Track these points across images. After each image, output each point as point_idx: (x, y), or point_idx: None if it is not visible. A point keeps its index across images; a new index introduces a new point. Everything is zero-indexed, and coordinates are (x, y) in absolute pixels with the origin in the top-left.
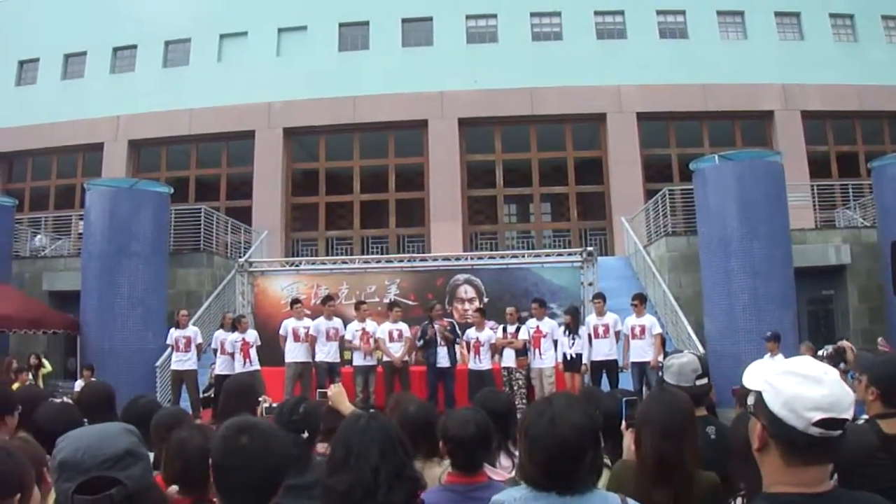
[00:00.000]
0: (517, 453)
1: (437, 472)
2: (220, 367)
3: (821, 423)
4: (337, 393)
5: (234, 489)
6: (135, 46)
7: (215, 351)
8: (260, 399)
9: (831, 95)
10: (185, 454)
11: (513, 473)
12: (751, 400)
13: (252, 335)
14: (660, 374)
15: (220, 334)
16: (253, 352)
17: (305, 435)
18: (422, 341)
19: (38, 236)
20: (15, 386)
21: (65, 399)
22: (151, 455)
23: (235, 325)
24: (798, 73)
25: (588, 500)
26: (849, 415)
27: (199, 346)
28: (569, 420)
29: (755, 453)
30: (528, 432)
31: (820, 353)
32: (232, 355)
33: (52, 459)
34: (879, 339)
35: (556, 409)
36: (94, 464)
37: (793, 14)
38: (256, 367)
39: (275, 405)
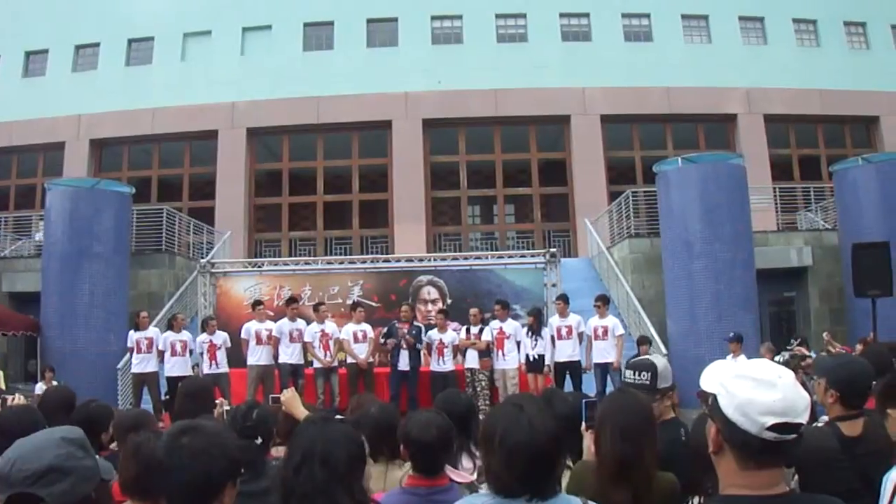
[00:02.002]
0: (481, 458)
1: (398, 475)
2: (171, 368)
3: (774, 428)
4: (290, 398)
5: (174, 490)
6: (98, 44)
7: (162, 353)
8: (217, 402)
9: (794, 99)
10: (139, 458)
11: (475, 476)
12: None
13: (220, 337)
14: (623, 376)
15: (168, 335)
16: (221, 354)
17: (259, 441)
18: (385, 341)
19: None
20: None
21: (18, 399)
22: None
23: (204, 327)
24: (761, 77)
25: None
26: (803, 419)
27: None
28: (544, 425)
29: (711, 456)
30: (504, 440)
31: (777, 358)
32: (195, 355)
33: None
34: (825, 334)
35: (530, 415)
36: (19, 479)
37: (756, 19)
38: (224, 369)
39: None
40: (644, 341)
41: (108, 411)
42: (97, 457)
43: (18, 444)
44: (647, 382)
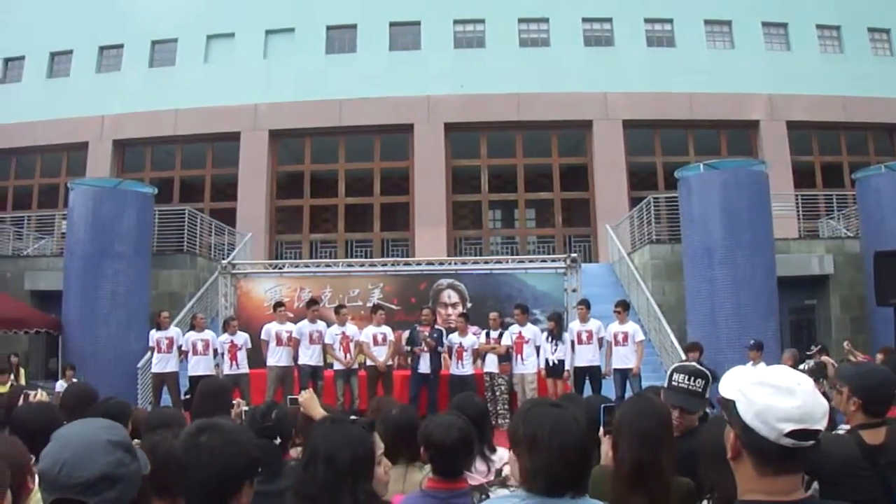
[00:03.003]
0: (520, 460)
1: (418, 478)
2: (193, 367)
3: (792, 435)
4: (308, 398)
5: (192, 488)
6: (121, 46)
7: (185, 353)
8: (234, 402)
9: (817, 106)
10: (156, 456)
11: (490, 478)
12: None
13: (241, 338)
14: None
15: (191, 334)
16: (241, 354)
17: (278, 441)
18: (411, 348)
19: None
20: None
21: (40, 394)
22: None
23: (225, 327)
24: (784, 83)
25: None
26: (822, 426)
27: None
28: (580, 424)
29: (730, 462)
30: (555, 438)
31: (801, 366)
32: (218, 355)
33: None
34: (846, 343)
35: (573, 413)
36: (68, 485)
37: (780, 25)
38: (244, 370)
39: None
40: (693, 348)
41: (126, 409)
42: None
43: (64, 443)
44: (700, 390)
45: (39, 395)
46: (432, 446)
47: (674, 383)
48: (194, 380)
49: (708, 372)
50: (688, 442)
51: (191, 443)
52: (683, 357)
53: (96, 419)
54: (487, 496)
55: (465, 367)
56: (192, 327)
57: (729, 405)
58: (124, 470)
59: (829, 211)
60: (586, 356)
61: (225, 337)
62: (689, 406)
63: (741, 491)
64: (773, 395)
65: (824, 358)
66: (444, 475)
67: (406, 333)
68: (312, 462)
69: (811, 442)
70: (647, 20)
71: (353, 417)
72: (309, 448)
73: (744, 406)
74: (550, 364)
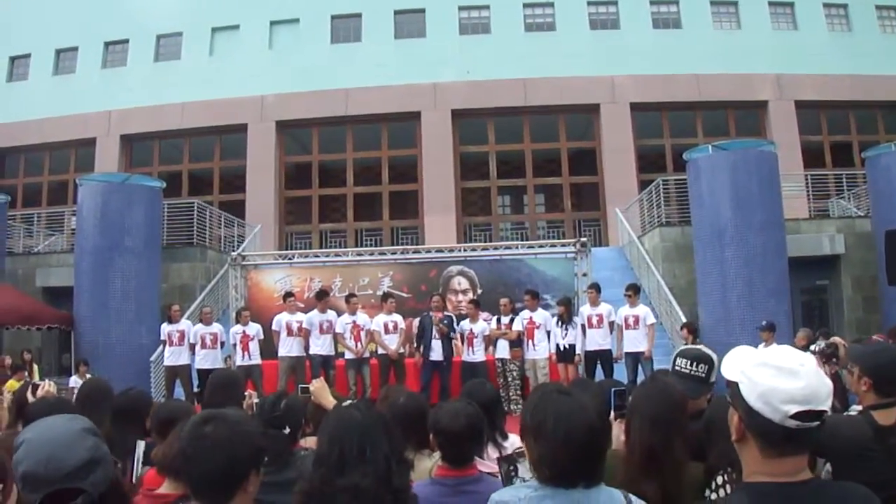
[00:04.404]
0: (528, 449)
1: (427, 465)
2: (200, 361)
3: (797, 416)
4: (319, 387)
5: (198, 478)
6: (126, 41)
7: (193, 346)
8: (247, 394)
9: (825, 85)
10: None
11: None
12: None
13: (254, 328)
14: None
15: (199, 328)
16: (253, 345)
17: (287, 431)
18: (417, 342)
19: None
20: (11, 384)
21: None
22: (142, 445)
23: (238, 318)
24: (792, 62)
25: (596, 494)
26: (826, 406)
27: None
28: (596, 408)
29: (735, 444)
30: (559, 425)
31: (812, 347)
32: (227, 346)
33: (14, 468)
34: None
35: (580, 400)
36: (59, 476)
37: (787, 4)
38: (256, 360)
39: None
40: (683, 328)
41: (148, 398)
42: (144, 441)
43: (41, 442)
44: (703, 375)
45: (48, 387)
46: (440, 433)
47: (677, 368)
48: (202, 373)
49: (713, 355)
50: (695, 425)
51: (196, 433)
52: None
53: (58, 416)
54: (516, 467)
55: (477, 354)
56: (200, 321)
57: (732, 387)
58: (103, 451)
59: (839, 190)
60: (597, 340)
61: (237, 328)
62: (692, 392)
63: (746, 472)
64: (777, 376)
65: (835, 338)
66: (453, 462)
67: (417, 321)
68: (376, 449)
69: (816, 423)
70: (652, 2)
71: (349, 401)
72: (366, 439)
73: (747, 388)
74: (561, 349)
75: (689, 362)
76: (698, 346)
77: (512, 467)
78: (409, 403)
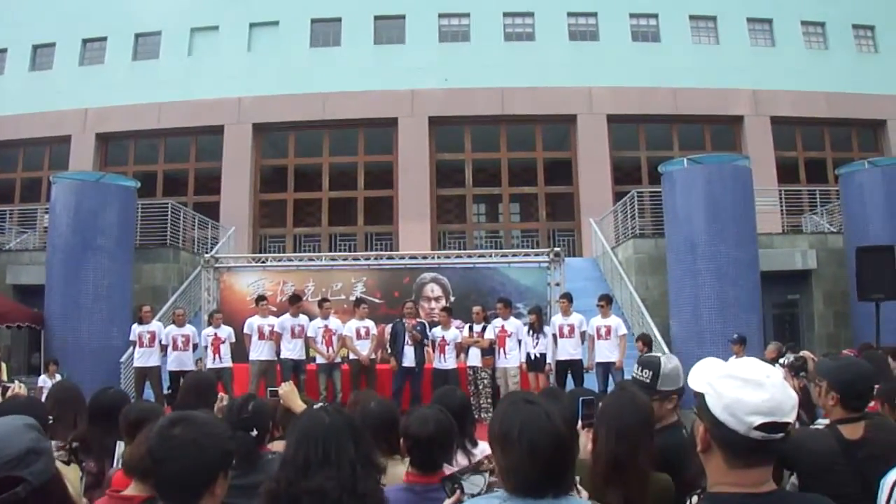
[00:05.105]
0: (496, 459)
1: (399, 471)
2: (172, 363)
3: (762, 427)
4: (288, 391)
5: (165, 480)
6: (105, 38)
7: (165, 347)
8: (219, 396)
9: (801, 102)
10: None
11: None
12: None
13: (225, 331)
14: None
15: (171, 329)
16: (224, 348)
17: (254, 433)
18: (390, 348)
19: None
20: None
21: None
22: (121, 445)
23: (210, 320)
24: (769, 79)
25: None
26: (791, 418)
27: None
28: (562, 417)
29: (700, 454)
30: (524, 433)
31: (782, 360)
32: (199, 348)
33: None
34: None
35: (546, 408)
36: (0, 464)
37: (765, 21)
38: (227, 363)
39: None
40: (642, 339)
41: (127, 398)
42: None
43: None
44: (647, 381)
45: (17, 389)
46: (409, 438)
47: (633, 374)
48: (174, 375)
49: (663, 362)
50: (665, 438)
51: (164, 434)
52: (667, 350)
53: (13, 416)
54: (460, 485)
55: (448, 361)
56: (173, 322)
57: (699, 398)
58: (44, 444)
59: (812, 206)
60: (568, 350)
61: (209, 330)
62: None
63: (711, 483)
64: (742, 387)
65: (804, 352)
66: (421, 468)
67: (389, 328)
68: (342, 452)
69: (781, 435)
70: (632, 15)
71: (319, 404)
72: (331, 442)
73: (713, 399)
74: (532, 358)
75: (638, 368)
76: (652, 354)
77: (455, 485)
78: (381, 409)
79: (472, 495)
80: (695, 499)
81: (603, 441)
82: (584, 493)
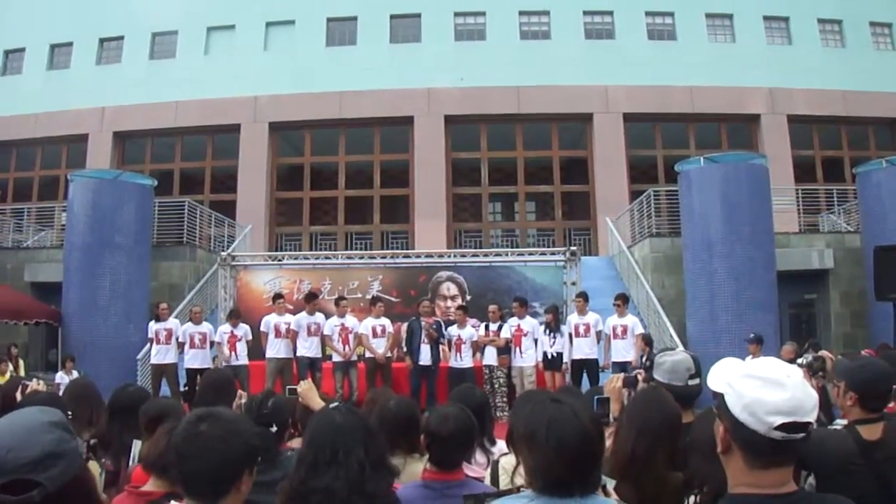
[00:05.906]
0: (522, 458)
1: (418, 468)
2: (189, 360)
3: (782, 427)
4: (307, 389)
5: (192, 476)
6: (122, 38)
7: (182, 345)
8: (238, 393)
9: (818, 100)
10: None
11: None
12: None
13: (242, 329)
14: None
15: (188, 327)
16: (241, 346)
17: (274, 429)
18: (406, 346)
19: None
20: None
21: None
22: (138, 444)
23: (228, 318)
24: (785, 77)
25: (592, 503)
26: (811, 418)
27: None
28: (588, 415)
29: (720, 455)
30: (552, 433)
31: (800, 360)
32: (216, 345)
33: None
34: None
35: (572, 406)
36: (17, 466)
37: (781, 18)
38: (243, 361)
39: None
40: (644, 339)
41: (147, 395)
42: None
43: (4, 431)
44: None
45: (36, 385)
46: (430, 436)
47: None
48: (191, 372)
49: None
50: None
51: (191, 431)
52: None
53: (32, 407)
54: None
55: (464, 360)
56: (190, 320)
57: (718, 398)
58: (66, 446)
59: (829, 205)
60: (583, 349)
61: (226, 327)
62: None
63: (731, 484)
64: (762, 387)
65: (823, 352)
66: (441, 466)
67: (405, 326)
68: (351, 453)
69: (801, 435)
70: (647, 13)
71: (334, 404)
72: (339, 442)
73: (732, 399)
74: (548, 357)
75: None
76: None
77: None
78: (399, 407)
79: None
80: (692, 499)
81: (623, 436)
82: (613, 495)
